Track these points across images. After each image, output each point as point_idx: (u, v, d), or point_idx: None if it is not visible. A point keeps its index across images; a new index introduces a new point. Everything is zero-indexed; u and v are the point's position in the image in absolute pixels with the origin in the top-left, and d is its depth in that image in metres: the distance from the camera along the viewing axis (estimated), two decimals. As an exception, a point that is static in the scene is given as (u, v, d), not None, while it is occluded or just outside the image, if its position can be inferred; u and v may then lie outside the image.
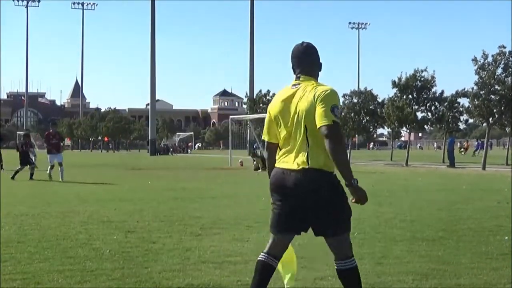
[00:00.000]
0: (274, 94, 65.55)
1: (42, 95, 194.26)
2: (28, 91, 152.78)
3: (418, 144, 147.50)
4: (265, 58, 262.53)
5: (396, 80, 44.85)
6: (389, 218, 13.02)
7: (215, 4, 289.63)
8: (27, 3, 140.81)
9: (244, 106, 79.63)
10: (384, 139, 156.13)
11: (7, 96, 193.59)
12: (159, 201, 16.50)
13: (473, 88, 38.93)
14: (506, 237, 10.29)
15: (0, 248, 9.20)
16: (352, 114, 51.32)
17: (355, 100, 52.63)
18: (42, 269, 7.84)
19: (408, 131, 49.66)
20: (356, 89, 56.86)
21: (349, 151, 54.28)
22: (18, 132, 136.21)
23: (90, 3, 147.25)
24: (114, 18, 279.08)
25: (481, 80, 37.69)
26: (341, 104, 52.64)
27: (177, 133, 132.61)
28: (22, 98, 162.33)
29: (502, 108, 37.94)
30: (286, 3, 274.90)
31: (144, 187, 21.72)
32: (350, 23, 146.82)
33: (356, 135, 65.18)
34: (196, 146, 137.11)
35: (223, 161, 47.54)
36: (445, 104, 47.64)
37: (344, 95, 53.27)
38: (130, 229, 11.13)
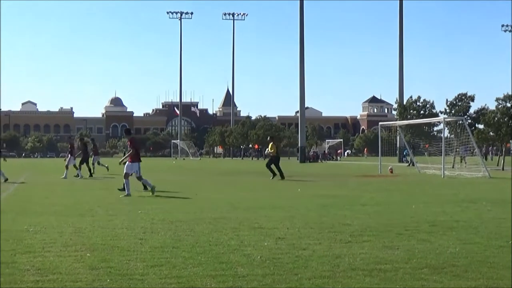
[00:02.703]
0: (424, 100, 64.75)
1: (195, 104, 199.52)
2: (182, 100, 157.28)
3: None
4: (415, 63, 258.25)
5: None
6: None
7: (364, 4, 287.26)
8: (181, 15, 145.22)
9: (394, 113, 78.62)
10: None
11: (162, 106, 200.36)
12: (308, 208, 16.57)
13: None
14: None
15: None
16: (506, 119, 49.64)
17: (509, 105, 50.89)
18: (195, 274, 8.07)
19: None
20: (510, 93, 54.92)
21: (502, 158, 52.58)
22: (173, 141, 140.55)
23: (240, 13, 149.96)
24: (263, 27, 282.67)
25: None
26: (494, 108, 51.35)
27: (326, 140, 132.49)
28: (176, 108, 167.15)
29: None
30: (435, 3, 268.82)
31: (294, 194, 21.86)
32: (503, 25, 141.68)
33: (511, 141, 62.92)
34: (346, 153, 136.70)
35: (373, 168, 47.13)
36: None
37: (497, 99, 51.68)
38: (280, 236, 11.25)
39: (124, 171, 21.71)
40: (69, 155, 35.51)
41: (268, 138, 39.03)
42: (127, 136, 23.40)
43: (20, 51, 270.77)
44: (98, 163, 39.44)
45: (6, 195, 21.68)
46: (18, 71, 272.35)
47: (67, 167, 34.44)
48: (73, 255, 9.37)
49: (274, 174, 33.31)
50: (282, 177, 32.91)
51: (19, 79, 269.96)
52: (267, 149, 36.72)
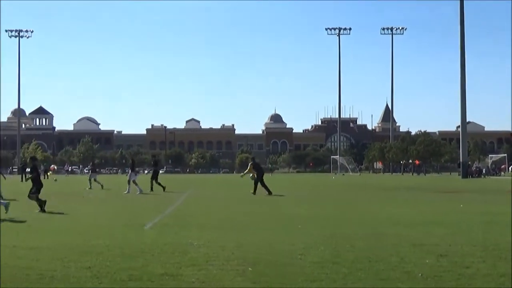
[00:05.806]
0: None
1: (354, 120, 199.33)
2: (341, 116, 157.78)
3: None
4: None
5: None
6: None
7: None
8: (339, 31, 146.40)
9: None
10: None
11: (321, 122, 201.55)
12: (471, 225, 16.15)
13: None
14: None
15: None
16: None
17: None
18: (355, 290, 8.05)
19: None
20: None
21: None
22: (332, 156, 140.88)
23: (399, 28, 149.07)
24: (423, 40, 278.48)
25: None
26: None
27: (489, 155, 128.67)
28: (335, 124, 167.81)
29: None
30: None
31: (455, 211, 21.35)
32: None
33: None
34: (510, 168, 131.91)
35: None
36: None
37: None
38: (442, 253, 11.02)
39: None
40: None
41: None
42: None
43: (185, 71, 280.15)
44: None
45: (172, 209, 22.40)
46: (182, 90, 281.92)
47: None
48: (235, 269, 9.56)
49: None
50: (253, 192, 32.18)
51: (184, 98, 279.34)
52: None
